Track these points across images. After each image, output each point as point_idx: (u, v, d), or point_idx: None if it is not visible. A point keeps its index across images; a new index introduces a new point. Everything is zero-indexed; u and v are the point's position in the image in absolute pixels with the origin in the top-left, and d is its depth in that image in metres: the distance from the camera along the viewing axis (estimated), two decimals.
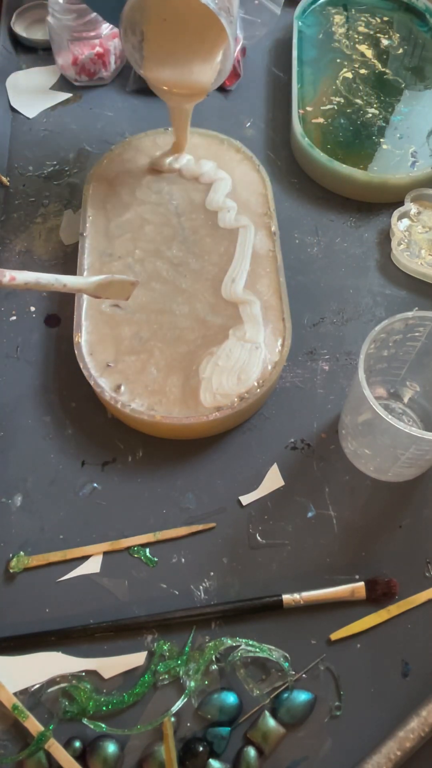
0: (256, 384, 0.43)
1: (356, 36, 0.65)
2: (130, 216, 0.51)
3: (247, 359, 0.44)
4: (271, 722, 0.37)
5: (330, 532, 0.43)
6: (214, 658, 0.38)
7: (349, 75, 0.62)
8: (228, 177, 0.53)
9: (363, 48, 0.64)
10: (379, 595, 0.40)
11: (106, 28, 0.61)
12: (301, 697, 0.38)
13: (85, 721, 0.37)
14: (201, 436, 0.45)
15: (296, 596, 0.40)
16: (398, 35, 0.65)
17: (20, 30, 0.66)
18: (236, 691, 0.38)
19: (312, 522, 0.43)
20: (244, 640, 0.39)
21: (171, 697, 0.38)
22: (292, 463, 0.45)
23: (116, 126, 0.61)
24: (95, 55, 0.62)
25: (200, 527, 0.43)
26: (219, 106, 0.63)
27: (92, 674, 0.38)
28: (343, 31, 0.65)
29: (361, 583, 0.40)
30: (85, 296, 0.46)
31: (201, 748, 0.36)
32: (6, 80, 0.63)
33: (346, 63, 0.63)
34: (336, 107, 0.60)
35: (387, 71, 0.63)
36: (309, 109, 0.59)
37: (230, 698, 0.37)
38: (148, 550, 0.42)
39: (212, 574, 0.41)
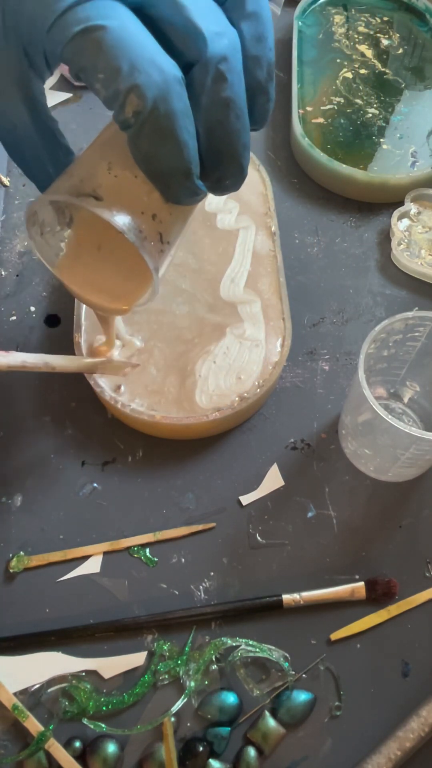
0: (256, 384, 0.43)
1: (356, 36, 0.65)
2: None
3: (247, 358, 0.44)
4: (271, 722, 0.37)
5: (330, 532, 0.43)
6: (214, 658, 0.38)
7: (349, 75, 0.62)
8: None
9: (363, 48, 0.64)
10: (379, 595, 0.40)
11: None
12: (301, 697, 0.38)
13: (85, 721, 0.37)
14: (201, 436, 0.45)
15: (296, 596, 0.40)
16: (398, 35, 0.65)
17: None
18: (236, 691, 0.38)
19: (312, 522, 0.43)
20: (244, 640, 0.39)
21: (171, 697, 0.38)
22: (292, 463, 0.45)
23: None
24: None
25: (200, 527, 0.43)
26: None
27: (92, 674, 0.38)
28: (343, 31, 0.65)
29: (361, 583, 0.40)
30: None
31: (201, 748, 0.36)
32: None
33: (346, 63, 0.63)
34: (336, 107, 0.60)
35: (387, 71, 0.63)
36: (309, 109, 0.59)
37: (230, 698, 0.37)
38: (148, 550, 0.42)
39: (212, 574, 0.41)
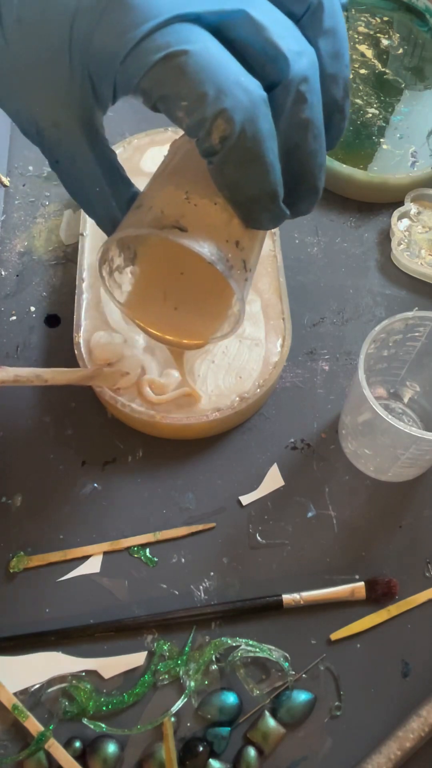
0: (255, 384, 0.43)
1: (356, 36, 0.65)
2: None
3: (246, 357, 0.44)
4: (271, 722, 0.37)
5: (330, 532, 0.43)
6: (214, 658, 0.38)
7: (349, 75, 0.62)
8: None
9: (363, 48, 0.64)
10: (379, 595, 0.40)
11: None
12: (301, 697, 0.38)
13: (85, 721, 0.37)
14: (201, 436, 0.45)
15: (296, 596, 0.40)
16: (398, 35, 0.65)
17: None
18: (236, 691, 0.38)
19: (312, 522, 0.43)
20: (244, 640, 0.39)
21: (171, 697, 0.38)
22: (292, 463, 0.45)
23: (116, 126, 0.61)
24: None
25: (200, 527, 0.43)
26: None
27: (92, 674, 0.38)
28: None
29: (361, 583, 0.40)
30: (84, 296, 0.46)
31: (201, 748, 0.36)
32: None
33: None
34: None
35: (387, 71, 0.63)
36: None
37: (230, 698, 0.37)
38: (148, 550, 0.42)
39: (212, 574, 0.41)
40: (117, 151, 0.53)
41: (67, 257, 0.53)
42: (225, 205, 0.29)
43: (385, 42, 0.65)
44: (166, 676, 0.38)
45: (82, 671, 0.38)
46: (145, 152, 0.54)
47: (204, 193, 0.29)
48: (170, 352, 0.40)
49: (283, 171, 0.27)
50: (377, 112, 0.60)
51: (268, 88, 0.25)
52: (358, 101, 0.60)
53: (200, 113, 0.24)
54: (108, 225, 0.33)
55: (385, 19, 0.67)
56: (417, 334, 0.40)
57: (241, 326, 0.33)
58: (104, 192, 0.31)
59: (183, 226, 0.29)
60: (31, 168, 0.58)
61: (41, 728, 0.36)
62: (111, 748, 0.36)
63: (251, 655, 0.38)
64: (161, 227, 0.29)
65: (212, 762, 0.36)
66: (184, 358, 0.40)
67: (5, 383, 0.35)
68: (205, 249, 0.29)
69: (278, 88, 0.25)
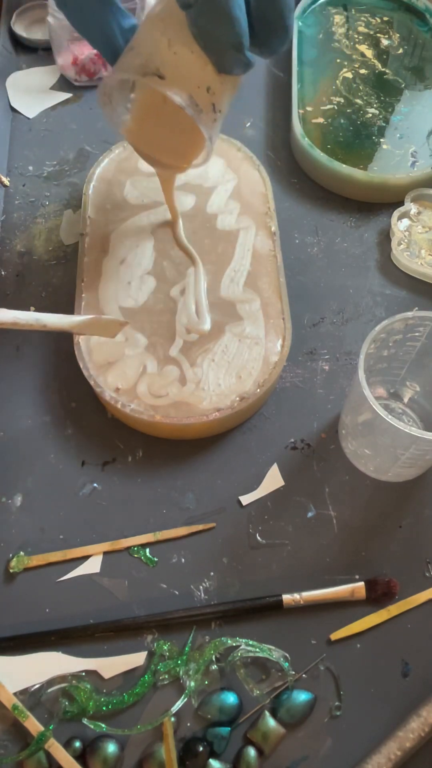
0: (255, 384, 0.43)
1: (356, 36, 0.65)
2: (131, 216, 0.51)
3: (246, 356, 0.44)
4: (271, 722, 0.37)
5: (330, 532, 0.43)
6: (214, 658, 0.38)
7: (349, 75, 0.62)
8: (234, 179, 0.53)
9: (363, 48, 0.64)
10: (379, 595, 0.40)
11: None
12: (301, 697, 0.38)
13: (85, 721, 0.37)
14: (201, 436, 0.45)
15: (296, 596, 0.40)
16: (398, 35, 0.65)
17: (20, 30, 0.66)
18: (236, 691, 0.38)
19: (312, 522, 0.43)
20: (244, 640, 0.39)
21: (171, 697, 0.38)
22: (292, 463, 0.45)
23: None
24: (95, 55, 0.62)
25: (200, 527, 0.43)
26: None
27: (92, 674, 0.38)
28: (343, 31, 0.65)
29: (361, 583, 0.40)
30: (84, 296, 0.46)
31: (201, 748, 0.36)
32: (6, 80, 0.63)
33: (346, 63, 0.63)
34: (336, 107, 0.60)
35: (387, 71, 0.63)
36: (309, 109, 0.59)
37: (230, 698, 0.37)
38: (148, 550, 0.42)
39: (212, 574, 0.41)
40: (116, 151, 0.54)
41: (67, 257, 0.53)
42: (200, 53, 0.35)
43: (385, 42, 0.65)
44: (166, 676, 0.38)
45: (82, 671, 0.38)
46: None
47: (183, 42, 0.34)
48: (160, 180, 0.46)
49: (256, 15, 0.33)
50: (377, 112, 0.60)
51: None
52: (358, 101, 0.60)
53: None
54: (109, 53, 0.38)
55: (385, 19, 0.67)
56: (417, 334, 0.40)
57: (211, 157, 0.40)
58: (104, 22, 0.37)
59: (162, 74, 0.35)
60: (31, 168, 0.58)
61: (41, 728, 0.36)
62: (111, 748, 0.36)
63: (251, 655, 0.38)
64: (144, 74, 0.35)
65: (212, 762, 0.36)
66: (172, 186, 0.47)
67: (4, 325, 0.37)
68: (177, 95, 0.35)
69: None
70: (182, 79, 0.35)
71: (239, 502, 0.44)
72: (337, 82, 0.61)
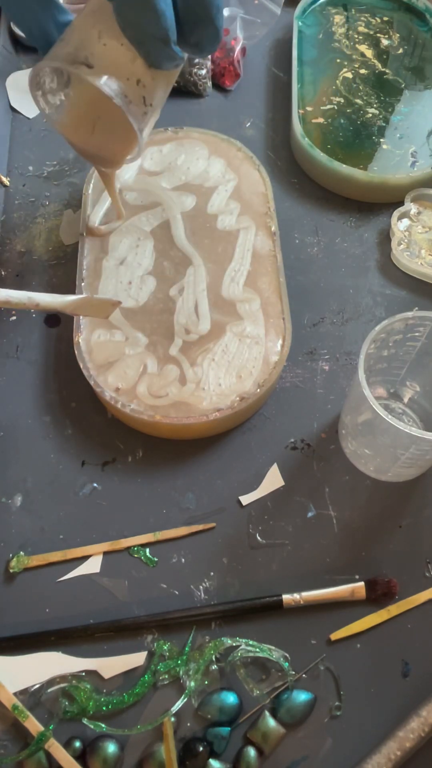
0: (255, 384, 0.43)
1: (356, 36, 0.65)
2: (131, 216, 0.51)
3: (246, 355, 0.44)
4: (271, 722, 0.37)
5: (330, 532, 0.43)
6: (214, 658, 0.38)
7: (349, 75, 0.62)
8: (234, 179, 0.53)
9: (363, 48, 0.64)
10: (379, 595, 0.40)
11: None
12: (301, 697, 0.38)
13: (85, 721, 0.37)
14: (201, 436, 0.45)
15: (296, 596, 0.40)
16: (398, 35, 0.65)
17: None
18: (236, 691, 0.38)
19: (312, 522, 0.43)
20: (244, 640, 0.39)
21: (171, 697, 0.38)
22: (292, 463, 0.45)
23: None
24: None
25: (200, 527, 0.43)
26: (219, 106, 0.63)
27: (92, 674, 0.38)
28: (343, 31, 0.65)
29: (361, 583, 0.40)
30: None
31: (201, 748, 0.36)
32: (6, 80, 0.63)
33: (346, 63, 0.63)
34: (336, 107, 0.60)
35: (387, 71, 0.63)
36: (309, 109, 0.59)
37: (230, 698, 0.37)
38: (148, 550, 0.42)
39: (212, 574, 0.41)
40: None
41: (67, 257, 0.53)
42: (129, 46, 0.34)
43: (385, 42, 0.65)
44: (166, 676, 0.38)
45: (82, 671, 0.38)
46: (144, 152, 0.54)
47: (113, 34, 0.34)
48: (101, 177, 0.45)
49: (184, 14, 0.33)
50: (377, 112, 0.60)
51: None
52: (358, 101, 0.60)
53: None
54: (44, 46, 0.38)
55: (385, 19, 0.67)
56: (417, 334, 0.40)
57: (143, 152, 0.40)
58: (40, 14, 0.37)
59: (90, 63, 0.34)
60: (31, 168, 0.58)
61: (41, 728, 0.36)
62: (111, 748, 0.36)
63: (251, 655, 0.38)
64: (72, 63, 0.34)
65: (212, 762, 0.36)
66: (113, 182, 0.45)
67: None
68: (105, 84, 0.34)
69: None
70: (110, 70, 0.34)
71: (239, 502, 0.44)
72: (337, 82, 0.61)
